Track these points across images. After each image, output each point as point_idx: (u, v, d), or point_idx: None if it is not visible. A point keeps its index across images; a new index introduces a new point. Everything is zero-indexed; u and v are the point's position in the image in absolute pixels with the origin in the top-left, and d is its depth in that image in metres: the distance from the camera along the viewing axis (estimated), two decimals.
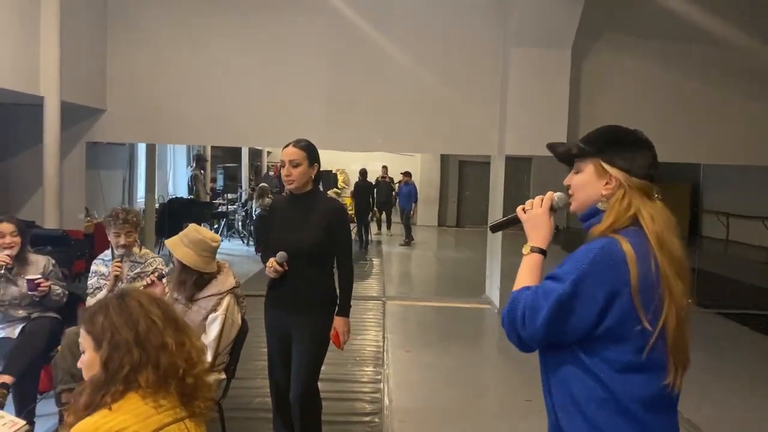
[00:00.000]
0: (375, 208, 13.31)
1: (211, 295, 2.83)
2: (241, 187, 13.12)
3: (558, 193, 1.50)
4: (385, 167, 13.76)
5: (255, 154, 14.95)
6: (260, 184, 12.04)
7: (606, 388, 1.30)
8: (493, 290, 6.81)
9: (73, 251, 4.86)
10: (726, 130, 6.63)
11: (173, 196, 10.24)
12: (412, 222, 13.13)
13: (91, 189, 7.43)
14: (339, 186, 15.60)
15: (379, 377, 4.47)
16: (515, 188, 6.65)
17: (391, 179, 13.56)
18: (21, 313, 3.21)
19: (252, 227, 11.12)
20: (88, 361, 1.34)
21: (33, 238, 4.41)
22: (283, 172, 2.73)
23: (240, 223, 11.64)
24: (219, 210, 11.09)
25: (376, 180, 13.06)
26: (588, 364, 1.32)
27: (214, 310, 2.83)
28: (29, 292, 3.11)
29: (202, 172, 10.04)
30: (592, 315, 1.28)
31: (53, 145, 5.32)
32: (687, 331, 1.34)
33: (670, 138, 6.74)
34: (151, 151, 8.66)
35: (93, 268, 3.37)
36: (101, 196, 8.38)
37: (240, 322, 2.97)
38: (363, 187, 11.88)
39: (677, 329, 1.30)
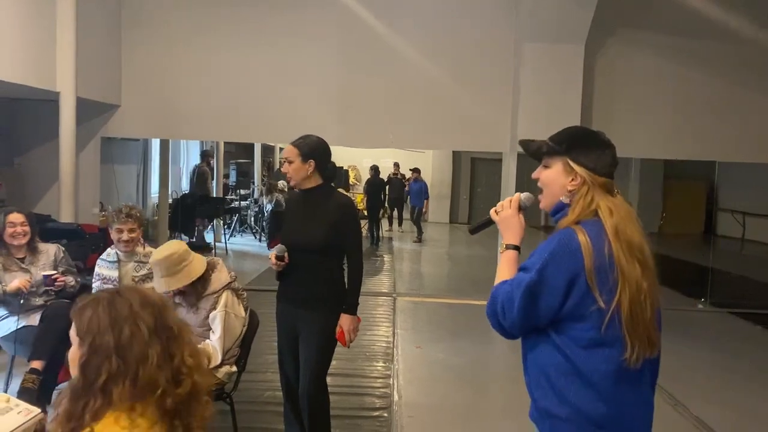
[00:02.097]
0: (387, 205, 13.30)
1: (208, 295, 2.85)
2: (253, 182, 13.19)
3: (524, 194, 1.67)
4: (396, 164, 13.73)
5: (267, 150, 15.00)
6: (269, 181, 12.10)
7: (572, 362, 1.45)
8: None
9: (88, 245, 4.92)
10: (741, 127, 6.55)
11: (186, 192, 10.31)
12: (423, 219, 13.11)
13: (105, 184, 7.52)
14: (351, 182, 15.60)
15: (389, 373, 4.48)
16: (527, 185, 6.61)
17: (403, 176, 13.54)
18: (38, 301, 3.27)
19: (264, 223, 11.19)
20: (73, 355, 1.25)
21: (48, 231, 4.50)
22: (283, 169, 2.82)
23: (252, 219, 11.70)
24: (231, 206, 11.15)
25: (388, 177, 13.05)
26: (557, 342, 1.47)
27: (213, 308, 2.85)
28: (46, 287, 3.16)
29: (209, 167, 10.07)
30: (557, 297, 1.44)
31: (69, 141, 5.39)
32: (646, 311, 1.45)
33: (685, 135, 6.68)
34: (164, 146, 8.73)
35: (96, 269, 3.31)
36: (115, 191, 8.48)
37: (243, 314, 2.97)
38: (375, 184, 11.87)
39: (632, 308, 1.42)
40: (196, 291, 2.83)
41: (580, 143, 1.55)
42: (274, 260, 2.72)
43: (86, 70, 5.56)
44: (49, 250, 3.39)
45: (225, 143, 11.35)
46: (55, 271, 3.20)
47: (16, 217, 3.25)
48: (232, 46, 6.56)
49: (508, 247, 1.62)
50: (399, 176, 13.34)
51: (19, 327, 3.18)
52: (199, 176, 9.86)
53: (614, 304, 1.42)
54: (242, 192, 12.34)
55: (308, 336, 2.76)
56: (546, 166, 1.59)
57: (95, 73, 5.95)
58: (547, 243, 1.49)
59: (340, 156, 12.61)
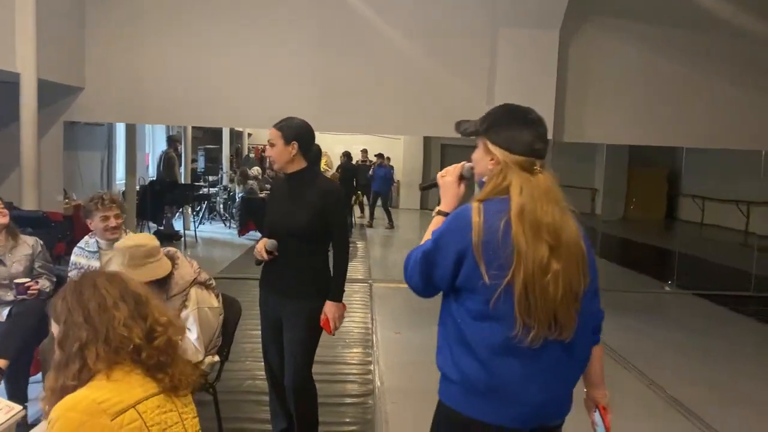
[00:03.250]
0: (358, 192, 13.23)
1: (176, 295, 2.68)
2: (222, 169, 12.93)
3: (468, 163, 1.68)
4: (364, 150, 13.62)
5: (236, 136, 14.71)
6: (241, 167, 11.87)
7: (461, 331, 1.50)
8: None
9: (54, 233, 4.73)
10: (709, 113, 6.71)
11: (153, 178, 10.02)
12: (391, 205, 13.02)
13: (68, 170, 7.22)
14: (321, 169, 15.48)
15: (370, 359, 4.47)
16: None
17: (372, 162, 13.48)
18: (8, 296, 3.10)
19: (234, 210, 10.98)
20: (54, 339, 1.39)
21: (13, 219, 4.28)
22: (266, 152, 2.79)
23: (221, 206, 11.49)
24: (200, 192, 10.90)
25: (357, 163, 12.96)
26: (453, 310, 1.53)
27: (184, 306, 2.70)
28: (19, 296, 3.00)
29: (176, 153, 9.78)
30: (449, 267, 1.49)
31: (30, 124, 5.15)
32: (550, 293, 1.43)
33: (653, 121, 6.81)
34: (130, 131, 8.44)
35: (73, 258, 3.13)
36: (79, 178, 8.17)
37: (218, 304, 2.84)
38: (348, 170, 11.78)
39: (527, 288, 1.42)
40: (160, 289, 2.64)
41: (497, 123, 1.56)
42: (264, 253, 2.63)
43: (48, 50, 5.29)
44: (28, 242, 3.22)
45: (193, 128, 11.05)
46: (27, 279, 3.03)
47: None
48: (203, 26, 6.35)
49: (439, 212, 1.67)
50: (368, 163, 13.25)
51: None
52: (167, 162, 9.57)
53: (505, 282, 1.42)
54: (211, 179, 12.08)
55: (293, 326, 2.70)
56: (476, 146, 1.63)
57: (57, 54, 5.68)
58: (449, 216, 1.56)
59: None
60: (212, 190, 11.61)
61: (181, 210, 9.88)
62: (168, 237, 8.88)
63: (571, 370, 1.55)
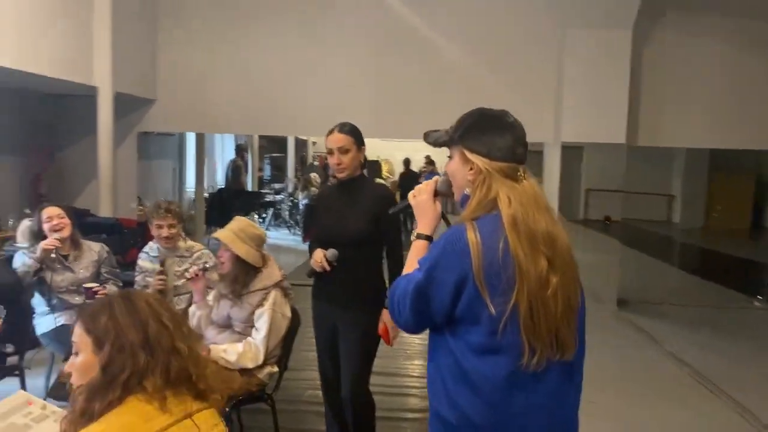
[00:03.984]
0: None
1: (257, 290, 2.73)
2: (287, 176, 13.21)
3: (442, 178, 1.52)
4: (428, 157, 13.50)
5: (301, 145, 15.00)
6: (305, 175, 12.07)
7: (461, 367, 1.34)
8: None
9: (126, 239, 4.91)
10: None
11: (221, 186, 10.35)
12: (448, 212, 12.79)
13: (142, 179, 7.55)
14: (383, 176, 15.49)
15: None
16: (565, 178, 6.38)
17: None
18: (77, 299, 3.21)
19: (298, 217, 11.17)
20: (84, 363, 1.23)
21: (88, 226, 4.48)
22: (332, 160, 2.57)
23: (287, 213, 11.72)
24: (266, 200, 11.17)
25: (420, 170, 12.88)
26: (450, 344, 1.37)
27: (260, 305, 2.73)
28: (87, 300, 3.10)
29: (243, 161, 10.10)
30: (446, 299, 1.33)
31: (107, 135, 5.39)
32: (551, 308, 1.30)
33: (738, 123, 6.32)
34: (199, 141, 8.75)
35: (139, 262, 3.25)
36: (153, 186, 8.53)
37: (290, 314, 2.87)
38: (408, 177, 11.74)
39: (532, 307, 1.28)
40: (240, 278, 2.71)
41: (473, 128, 1.42)
42: (324, 263, 2.54)
43: (123, 65, 5.55)
44: (93, 248, 3.33)
45: (259, 137, 11.35)
46: (96, 284, 3.13)
47: (52, 211, 3.18)
48: (267, 38, 6.47)
49: (419, 236, 1.51)
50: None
51: (57, 325, 3.14)
52: (234, 171, 9.89)
53: (510, 307, 1.28)
54: (276, 186, 12.35)
55: (349, 336, 2.62)
56: (450, 157, 1.48)
57: (132, 68, 5.94)
58: (439, 239, 1.38)
59: (373, 149, 12.49)
60: (277, 197, 11.87)
61: (247, 217, 10.13)
62: None
63: (574, 394, 1.42)
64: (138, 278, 3.21)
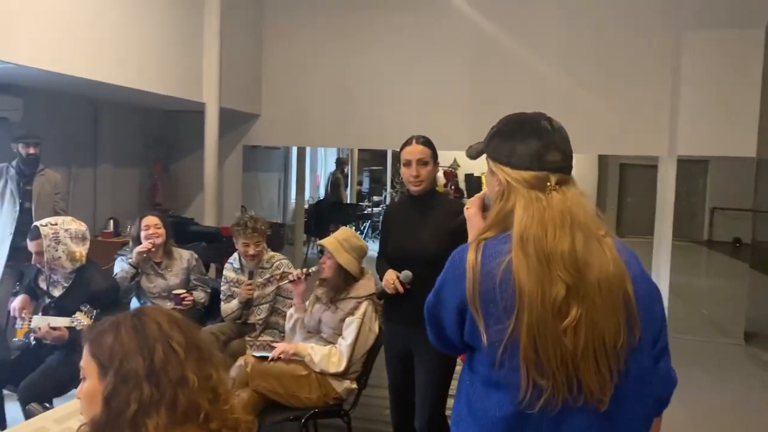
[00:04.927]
0: None
1: (351, 298, 2.79)
2: (385, 189, 13.33)
3: None
4: None
5: (398, 158, 15.11)
6: (402, 187, 12.10)
7: (470, 401, 1.22)
8: None
9: (224, 247, 5.12)
10: None
11: (321, 198, 10.66)
12: None
13: (250, 190, 7.93)
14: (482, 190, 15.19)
15: None
16: (686, 195, 5.79)
17: None
18: (169, 305, 3.37)
19: None
20: (90, 391, 1.07)
21: (190, 234, 4.73)
22: (410, 172, 2.45)
23: None
24: (363, 212, 11.35)
25: None
26: (465, 374, 1.26)
27: (351, 313, 2.76)
28: (175, 306, 3.25)
29: (342, 174, 10.35)
30: (453, 322, 1.24)
31: (212, 149, 5.70)
32: (561, 342, 1.10)
33: None
34: (300, 154, 9.05)
35: (225, 273, 3.37)
36: (259, 197, 8.94)
37: (377, 330, 2.85)
38: None
39: (534, 336, 1.10)
40: (339, 285, 2.78)
41: (497, 135, 1.29)
42: (398, 285, 2.43)
43: (229, 81, 5.85)
44: (183, 256, 3.49)
45: (359, 151, 11.56)
46: (184, 290, 3.26)
47: (150, 220, 3.40)
48: (366, 53, 6.55)
49: None
50: None
51: None
52: (333, 183, 10.16)
53: (506, 336, 1.12)
54: (375, 198, 12.49)
55: (425, 364, 2.49)
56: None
57: (237, 84, 6.25)
58: (448, 259, 1.29)
59: (471, 164, 12.27)
60: (375, 209, 12.00)
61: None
62: None
63: None
64: (224, 287, 3.31)
